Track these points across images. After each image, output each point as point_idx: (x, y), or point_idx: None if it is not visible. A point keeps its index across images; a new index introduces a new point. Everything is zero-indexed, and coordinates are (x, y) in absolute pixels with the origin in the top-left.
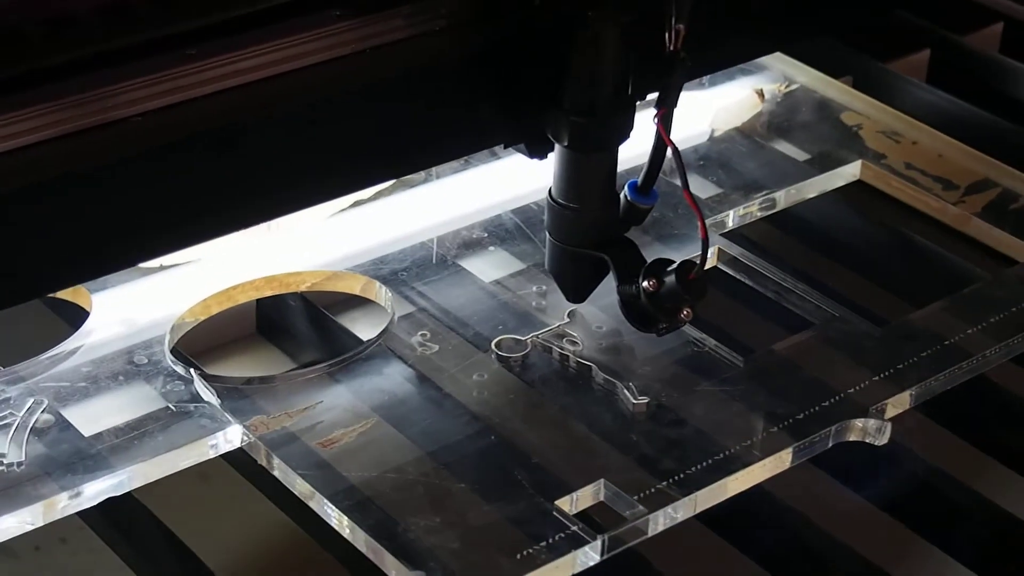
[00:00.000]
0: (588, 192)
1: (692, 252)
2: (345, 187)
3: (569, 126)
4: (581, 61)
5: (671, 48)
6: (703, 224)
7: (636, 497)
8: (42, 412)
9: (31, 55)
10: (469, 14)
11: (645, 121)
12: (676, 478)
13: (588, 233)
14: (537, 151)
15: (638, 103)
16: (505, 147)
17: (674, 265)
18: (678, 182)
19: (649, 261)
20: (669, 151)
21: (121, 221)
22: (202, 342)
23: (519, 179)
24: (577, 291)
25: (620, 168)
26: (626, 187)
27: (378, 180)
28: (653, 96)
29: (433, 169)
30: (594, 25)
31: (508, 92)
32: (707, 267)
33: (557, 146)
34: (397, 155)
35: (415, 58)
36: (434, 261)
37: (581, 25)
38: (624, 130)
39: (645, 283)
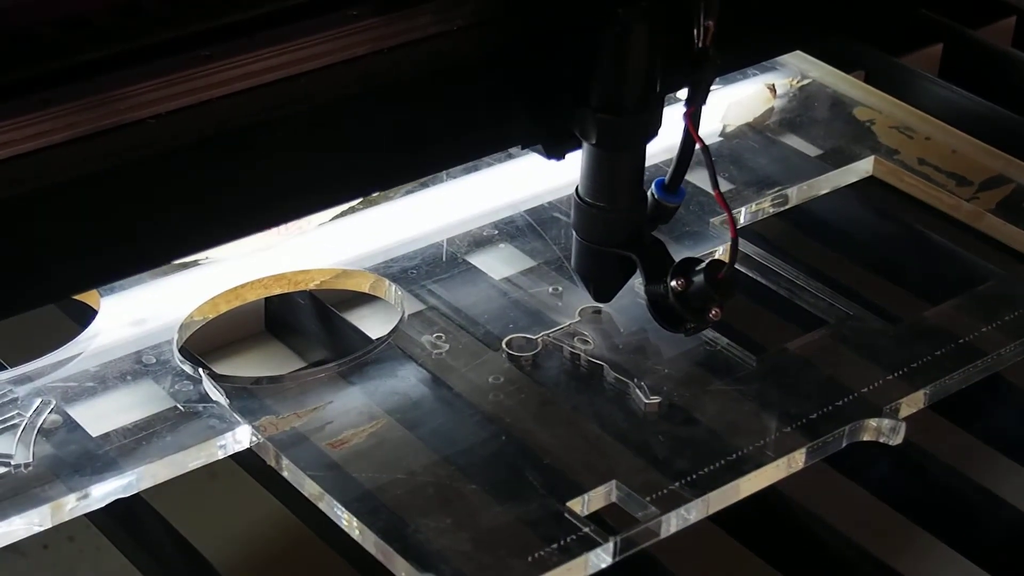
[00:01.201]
0: (616, 190)
1: (703, 249)
2: (361, 190)
3: (597, 124)
4: (609, 58)
5: (700, 45)
6: (733, 223)
7: (648, 498)
8: (50, 412)
9: (45, 57)
10: (488, 13)
11: (670, 118)
12: (689, 479)
13: (615, 232)
14: (555, 152)
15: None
16: (523, 148)
17: (702, 264)
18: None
19: (677, 260)
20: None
21: (136, 225)
22: (210, 341)
23: (529, 180)
24: (604, 291)
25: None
26: (653, 185)
27: (395, 183)
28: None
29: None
30: (623, 22)
31: (529, 92)
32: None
33: (585, 144)
34: (415, 157)
35: (433, 58)
36: (444, 259)
37: (610, 22)
38: (652, 127)
39: (673, 282)
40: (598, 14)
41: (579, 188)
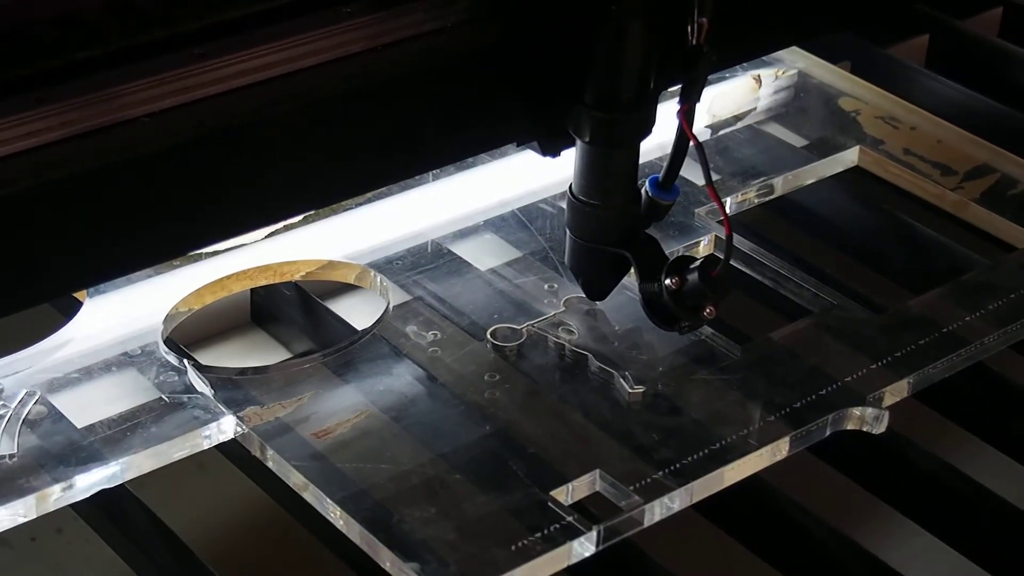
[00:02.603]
0: (609, 188)
1: (688, 238)
2: (356, 187)
3: (591, 121)
4: (603, 56)
5: (694, 42)
6: (727, 221)
7: (632, 487)
8: (35, 403)
9: (39, 55)
10: (482, 10)
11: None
12: (672, 468)
13: (609, 230)
14: (550, 149)
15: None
16: (518, 145)
17: (697, 262)
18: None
19: (672, 258)
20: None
21: (131, 223)
22: (196, 332)
23: (520, 178)
24: (598, 289)
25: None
26: (647, 183)
27: (391, 180)
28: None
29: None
30: (617, 19)
31: (524, 89)
32: (704, 254)
33: (578, 142)
34: (410, 154)
35: (427, 55)
36: (429, 250)
37: (604, 19)
38: (646, 125)
39: (668, 281)
40: (592, 11)
41: (572, 186)
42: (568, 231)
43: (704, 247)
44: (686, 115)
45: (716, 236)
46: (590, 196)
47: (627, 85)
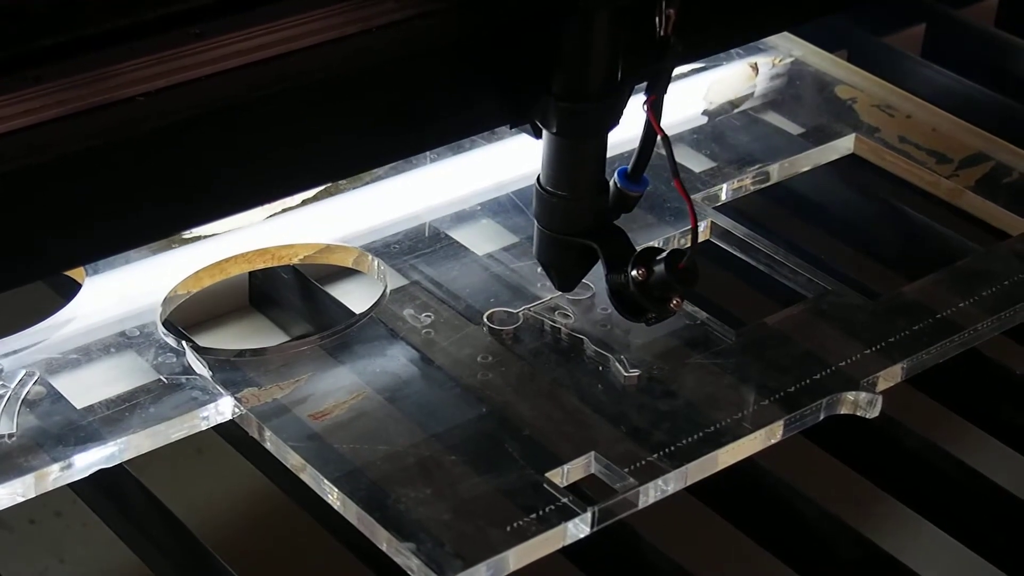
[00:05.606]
0: (577, 179)
1: (684, 223)
2: (350, 168)
3: (557, 112)
4: (570, 46)
5: (661, 33)
6: (693, 213)
7: (627, 469)
8: (34, 384)
9: (35, 34)
10: None
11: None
12: (667, 450)
13: (576, 221)
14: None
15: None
16: (511, 128)
17: (663, 254)
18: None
19: (639, 248)
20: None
21: (126, 201)
22: (194, 314)
23: (512, 162)
24: (565, 280)
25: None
26: (615, 174)
27: (383, 161)
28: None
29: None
30: (583, 10)
31: (512, 73)
32: (699, 240)
33: (545, 132)
34: (403, 135)
35: (420, 37)
36: (427, 234)
37: (570, 10)
38: (614, 117)
39: (634, 272)
40: (559, 1)
41: (540, 176)
42: (536, 222)
43: (700, 232)
44: (653, 106)
45: (712, 222)
46: (558, 187)
47: (593, 76)
